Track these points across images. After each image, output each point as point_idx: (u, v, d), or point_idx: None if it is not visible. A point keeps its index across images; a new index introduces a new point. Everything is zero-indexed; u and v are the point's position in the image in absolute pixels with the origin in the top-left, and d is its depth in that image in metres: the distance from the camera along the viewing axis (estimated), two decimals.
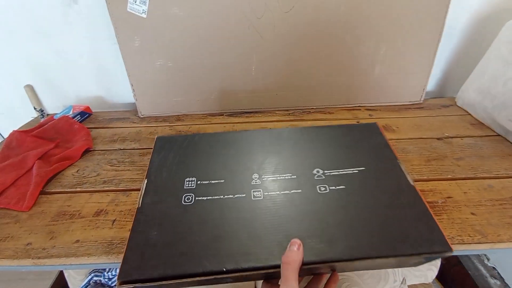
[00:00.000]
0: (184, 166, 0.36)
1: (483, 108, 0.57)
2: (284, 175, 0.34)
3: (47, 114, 0.71)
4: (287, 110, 0.66)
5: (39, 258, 0.35)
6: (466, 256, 0.93)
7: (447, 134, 0.55)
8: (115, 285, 0.73)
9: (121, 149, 0.55)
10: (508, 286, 0.81)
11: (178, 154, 0.38)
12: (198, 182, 0.34)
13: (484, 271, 0.88)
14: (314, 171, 0.35)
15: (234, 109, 0.66)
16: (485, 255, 0.90)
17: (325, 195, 0.32)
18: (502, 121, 0.52)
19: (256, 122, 0.62)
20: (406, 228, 0.29)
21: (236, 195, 0.32)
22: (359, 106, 0.66)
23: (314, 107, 0.66)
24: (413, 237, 0.28)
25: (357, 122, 0.38)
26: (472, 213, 0.39)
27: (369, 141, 0.39)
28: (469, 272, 0.91)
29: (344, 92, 0.65)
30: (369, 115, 0.63)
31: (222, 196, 0.32)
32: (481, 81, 0.57)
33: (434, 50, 0.60)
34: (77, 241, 0.37)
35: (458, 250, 0.36)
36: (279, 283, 0.25)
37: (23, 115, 0.71)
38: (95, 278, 0.71)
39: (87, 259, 0.35)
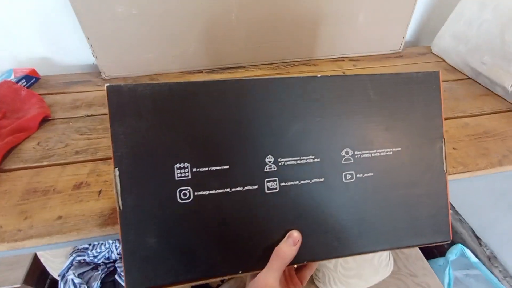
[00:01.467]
0: (168, 143, 0.25)
1: (457, 52, 0.59)
2: (306, 158, 0.27)
3: None
4: (271, 64, 0.62)
5: (15, 241, 0.30)
6: None
7: None
8: (101, 262, 0.70)
9: (89, 116, 0.47)
10: (459, 213, 0.95)
11: (153, 123, 0.24)
12: (194, 170, 0.25)
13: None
14: (343, 152, 0.27)
15: (215, 65, 0.60)
16: None
17: (350, 186, 0.27)
18: (475, 64, 0.55)
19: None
20: (420, 223, 0.28)
21: (246, 187, 0.25)
22: (342, 57, 0.65)
23: (298, 60, 0.63)
24: (423, 232, 0.28)
25: (418, 71, 0.29)
26: (454, 148, 0.42)
27: (419, 105, 0.29)
28: None
29: (328, 42, 0.63)
30: (353, 65, 0.63)
31: (228, 189, 0.25)
32: (456, 26, 0.59)
33: None
34: (59, 217, 0.32)
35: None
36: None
37: None
38: (78, 258, 0.66)
39: (77, 234, 0.31)
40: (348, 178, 0.27)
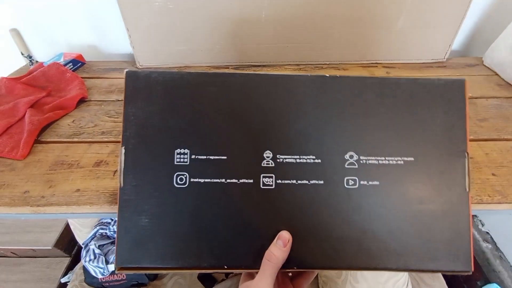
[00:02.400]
0: (172, 128, 0.25)
1: None
2: (306, 157, 0.26)
3: (36, 61, 0.65)
4: (298, 64, 0.61)
5: (38, 206, 0.33)
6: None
7: (470, 95, 0.51)
8: None
9: (119, 100, 0.51)
10: (499, 249, 0.84)
11: (162, 107, 0.26)
12: (193, 157, 0.25)
13: (477, 235, 0.91)
14: (347, 156, 0.26)
15: (241, 62, 0.60)
16: (480, 220, 0.92)
17: (352, 192, 0.25)
18: None
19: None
20: (433, 245, 0.25)
21: (241, 180, 0.25)
22: (375, 63, 0.61)
23: (327, 63, 0.61)
24: (437, 256, 0.25)
25: (439, 78, 0.27)
26: (493, 174, 0.37)
27: (440, 114, 0.26)
28: None
29: (360, 46, 0.59)
30: (387, 72, 0.58)
31: (223, 180, 0.25)
32: None
33: (468, 2, 0.53)
34: (78, 190, 0.35)
35: (476, 209, 0.35)
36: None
37: (11, 63, 0.65)
38: (100, 231, 0.72)
39: (90, 208, 0.34)
40: (350, 184, 0.25)
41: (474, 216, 0.92)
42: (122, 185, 0.25)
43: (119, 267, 0.25)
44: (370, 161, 0.26)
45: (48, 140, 0.43)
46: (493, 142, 0.42)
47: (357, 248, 0.25)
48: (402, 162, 0.26)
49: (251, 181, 0.25)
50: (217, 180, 0.25)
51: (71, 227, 0.81)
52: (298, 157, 0.26)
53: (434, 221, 0.25)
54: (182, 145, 0.25)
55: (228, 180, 0.25)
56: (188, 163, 0.25)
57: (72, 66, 0.59)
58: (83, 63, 0.62)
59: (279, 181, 0.25)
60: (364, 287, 0.65)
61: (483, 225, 0.91)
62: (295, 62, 0.61)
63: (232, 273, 0.68)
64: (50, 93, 0.51)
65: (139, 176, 0.25)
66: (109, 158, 0.39)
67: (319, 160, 0.26)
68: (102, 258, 0.68)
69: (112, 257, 0.68)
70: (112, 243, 0.73)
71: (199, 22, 0.54)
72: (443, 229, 0.25)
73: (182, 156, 0.25)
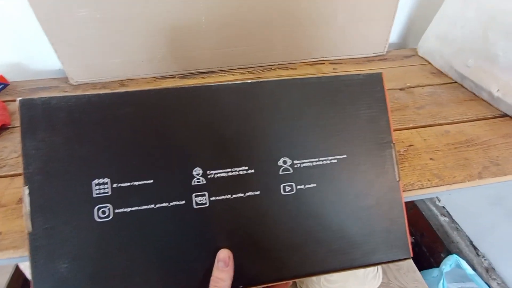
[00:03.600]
0: (84, 157, 0.23)
1: (441, 55, 0.56)
2: (238, 169, 0.25)
3: None
4: (246, 68, 0.60)
5: None
6: (421, 199, 1.02)
7: (409, 84, 0.55)
8: None
9: None
10: (455, 221, 0.92)
11: (68, 135, 0.23)
12: (114, 185, 0.23)
13: (435, 211, 0.98)
14: (280, 162, 0.25)
15: (187, 70, 0.58)
16: (436, 196, 0.99)
17: (290, 199, 0.25)
18: (459, 67, 0.52)
19: (213, 83, 0.55)
20: (373, 238, 0.25)
21: (172, 203, 0.23)
22: (322, 60, 0.63)
23: (276, 63, 0.61)
24: (378, 249, 0.25)
25: (358, 73, 0.28)
26: (431, 159, 0.39)
27: (363, 109, 0.27)
28: (423, 213, 1.01)
29: (306, 45, 0.60)
30: (334, 69, 0.60)
31: (152, 206, 0.23)
32: (441, 26, 0.56)
33: None
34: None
35: (418, 195, 0.36)
36: None
37: None
38: None
39: (14, 252, 0.29)
40: (287, 190, 0.25)
41: None
42: (31, 230, 0.22)
43: None
44: (304, 164, 0.25)
45: None
46: (429, 128, 0.45)
47: (302, 254, 0.25)
48: (335, 160, 0.26)
49: (183, 202, 0.24)
50: (146, 207, 0.23)
51: (21, 267, 0.72)
52: (229, 170, 0.24)
53: (371, 214, 0.26)
54: (100, 175, 0.23)
55: (158, 205, 0.23)
56: (109, 193, 0.23)
57: None
58: (5, 85, 0.55)
59: (213, 198, 0.24)
60: (337, 278, 0.67)
61: (439, 200, 0.99)
62: (243, 66, 0.60)
63: None
64: None
65: (51, 217, 0.22)
66: None
67: (252, 170, 0.25)
68: None
69: None
70: None
71: (133, 32, 0.51)
72: (379, 221, 0.26)
73: (101, 186, 0.23)
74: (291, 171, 0.25)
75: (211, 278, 0.23)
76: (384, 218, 0.26)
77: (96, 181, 0.23)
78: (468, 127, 0.44)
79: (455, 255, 0.84)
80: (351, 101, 0.27)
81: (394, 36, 0.70)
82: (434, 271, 0.87)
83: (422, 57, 0.62)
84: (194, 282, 0.23)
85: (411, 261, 0.84)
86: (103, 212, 0.23)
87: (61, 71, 0.58)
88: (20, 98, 0.23)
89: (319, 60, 0.62)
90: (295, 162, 0.25)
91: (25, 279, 0.76)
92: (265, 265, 0.24)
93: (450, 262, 0.82)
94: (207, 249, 0.24)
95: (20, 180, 0.36)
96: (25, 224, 0.22)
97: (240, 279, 0.23)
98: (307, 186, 0.25)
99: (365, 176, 0.26)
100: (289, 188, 0.25)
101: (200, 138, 0.24)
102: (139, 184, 0.23)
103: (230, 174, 0.24)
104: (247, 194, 0.24)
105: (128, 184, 0.23)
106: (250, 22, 0.54)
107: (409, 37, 0.71)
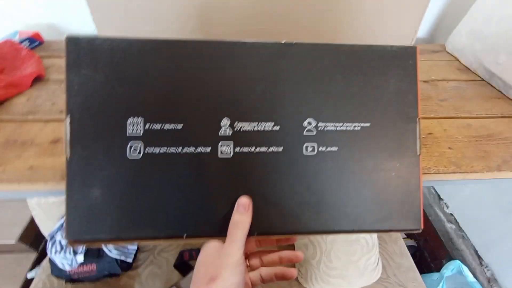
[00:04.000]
0: (122, 97, 0.24)
1: (472, 51, 0.55)
2: (265, 124, 0.25)
3: None
4: None
5: None
6: (429, 204, 1.01)
7: (433, 78, 0.54)
8: None
9: None
10: (462, 229, 0.90)
11: (109, 75, 0.24)
12: (147, 126, 0.24)
13: (442, 217, 0.97)
14: (305, 123, 0.26)
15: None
16: (445, 203, 0.98)
17: (311, 159, 0.26)
18: (489, 64, 0.51)
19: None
20: (388, 206, 0.26)
21: (198, 149, 0.25)
22: None
23: None
24: (390, 216, 0.26)
25: (392, 45, 0.27)
26: (450, 148, 0.39)
27: (393, 80, 0.27)
28: (429, 217, 1.00)
29: (328, 34, 0.59)
30: None
31: (179, 150, 0.24)
32: (474, 22, 0.54)
33: None
34: (31, 167, 0.33)
35: (433, 180, 0.36)
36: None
37: None
38: None
39: (44, 185, 0.32)
40: (309, 150, 0.26)
41: (440, 199, 0.98)
42: (69, 155, 0.23)
43: (71, 240, 0.23)
44: (328, 128, 0.26)
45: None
46: (451, 120, 0.44)
47: (315, 213, 0.26)
48: (359, 128, 0.26)
49: (208, 150, 0.25)
50: (173, 150, 0.24)
51: (36, 220, 0.76)
52: (256, 123, 0.25)
53: (388, 184, 0.26)
54: (134, 113, 0.24)
55: (185, 150, 0.24)
56: (142, 133, 0.24)
57: (28, 44, 0.55)
58: (40, 42, 0.57)
59: (237, 149, 0.25)
60: (337, 266, 0.67)
61: (447, 207, 0.97)
62: None
63: None
64: (3, 71, 0.47)
65: (88, 147, 0.24)
66: None
67: (278, 127, 0.25)
68: (70, 249, 0.65)
69: (80, 247, 0.65)
70: None
71: (167, 2, 0.52)
72: (395, 191, 0.26)
73: (135, 126, 0.24)
74: (314, 133, 0.26)
75: (231, 221, 0.24)
76: (401, 189, 0.26)
77: (130, 119, 0.24)
78: (492, 122, 0.44)
79: (457, 261, 0.83)
80: (381, 71, 0.26)
81: (422, 31, 0.69)
82: (434, 275, 0.86)
83: (450, 53, 0.61)
84: (214, 225, 0.25)
85: (411, 261, 0.83)
86: (134, 151, 0.24)
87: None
88: (67, 35, 0.24)
89: None
90: (319, 124, 0.26)
91: (38, 233, 0.81)
92: (280, 218, 0.25)
93: (452, 267, 0.82)
94: (227, 196, 0.25)
95: (52, 125, 0.39)
96: (64, 151, 0.23)
97: (256, 227, 0.25)
98: (328, 148, 0.26)
99: (386, 146, 0.26)
100: (311, 148, 0.26)
101: (231, 90, 0.25)
102: (169, 127, 0.24)
103: (256, 128, 0.25)
104: (270, 149, 0.25)
105: (159, 125, 0.24)
106: (278, 2, 0.54)
107: (437, 33, 0.70)
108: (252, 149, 0.25)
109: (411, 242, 1.01)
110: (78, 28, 0.62)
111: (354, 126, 0.26)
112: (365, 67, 0.26)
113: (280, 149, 0.25)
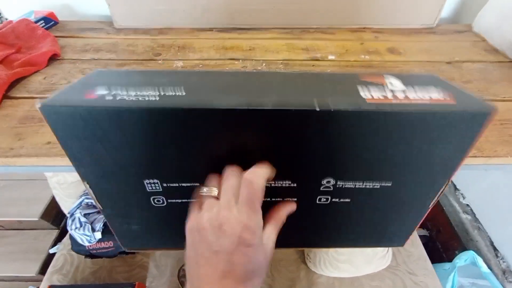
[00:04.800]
0: (132, 162, 0.22)
1: (501, 32, 0.51)
2: (281, 182, 0.24)
3: (6, 19, 0.61)
4: (284, 28, 0.59)
5: (6, 157, 0.32)
6: (444, 194, 0.98)
7: (457, 59, 0.51)
8: None
9: (95, 59, 0.48)
10: (478, 221, 0.88)
11: (109, 139, 0.20)
12: (164, 185, 0.23)
13: (458, 207, 0.94)
14: (324, 181, 0.24)
15: (225, 24, 0.58)
16: (461, 194, 0.95)
17: (322, 207, 0.25)
18: None
19: (249, 39, 0.55)
20: (380, 234, 0.29)
21: None
22: (364, 27, 0.59)
23: (315, 26, 0.59)
24: (380, 239, 0.30)
25: (464, 109, 0.19)
26: None
27: (440, 146, 0.21)
28: (444, 208, 0.97)
29: (349, 10, 0.57)
30: (375, 37, 0.57)
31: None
32: (503, 1, 0.50)
33: None
34: (49, 142, 0.34)
35: None
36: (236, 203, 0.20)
37: None
38: (86, 200, 0.71)
39: (61, 160, 0.33)
40: (322, 201, 0.26)
41: (456, 189, 0.95)
42: (100, 207, 0.26)
43: (128, 248, 0.29)
44: (346, 185, 0.24)
45: (18, 96, 0.41)
46: None
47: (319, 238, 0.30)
48: (378, 186, 0.24)
49: None
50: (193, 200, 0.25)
51: (57, 198, 0.80)
52: (273, 182, 0.23)
53: (388, 225, 0.29)
54: (150, 177, 0.23)
55: None
56: (161, 190, 0.24)
57: (44, 24, 0.55)
58: (56, 22, 0.58)
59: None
60: (346, 251, 0.67)
61: (464, 198, 0.94)
62: (282, 26, 0.59)
63: None
64: (20, 50, 0.48)
65: (114, 205, 0.26)
66: None
67: (295, 185, 0.24)
68: (88, 226, 0.68)
69: (98, 225, 0.68)
70: (98, 212, 0.73)
71: None
72: (392, 228, 0.29)
73: (153, 184, 0.24)
74: (331, 189, 0.24)
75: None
76: (398, 228, 0.29)
77: (147, 180, 0.23)
78: None
79: (471, 251, 0.81)
80: (431, 140, 0.20)
81: (446, 10, 0.65)
82: (446, 265, 0.85)
83: (477, 34, 0.57)
84: None
85: (423, 250, 0.82)
86: (158, 201, 0.25)
87: (106, 16, 0.61)
88: (41, 104, 0.19)
89: (361, 28, 0.59)
90: (338, 183, 0.24)
91: (58, 211, 0.85)
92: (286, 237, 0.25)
93: (465, 257, 0.80)
94: None
95: None
96: (96, 204, 0.25)
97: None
98: (341, 200, 0.25)
99: (400, 203, 0.25)
100: (325, 199, 0.25)
101: (248, 152, 0.22)
102: (186, 186, 0.24)
103: (273, 185, 0.24)
104: (285, 199, 0.25)
105: (176, 185, 0.24)
106: None
107: (463, 13, 0.65)
108: (268, 199, 0.24)
109: (423, 232, 0.99)
110: (92, 8, 0.62)
111: (374, 185, 0.24)
112: (413, 136, 0.20)
113: (294, 199, 0.25)
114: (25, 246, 0.85)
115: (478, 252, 0.84)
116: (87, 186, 0.23)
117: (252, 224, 0.20)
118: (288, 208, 0.25)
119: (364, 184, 0.24)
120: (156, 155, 0.22)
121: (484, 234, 0.86)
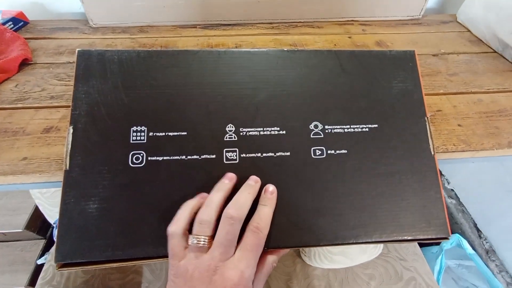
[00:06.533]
0: (128, 105, 0.24)
1: (485, 22, 0.52)
2: (270, 129, 0.25)
3: None
4: (271, 23, 0.57)
5: None
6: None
7: (443, 51, 0.51)
8: None
9: (70, 63, 0.45)
10: (462, 204, 0.91)
11: (117, 84, 0.24)
12: (150, 134, 0.24)
13: (443, 193, 0.97)
14: (311, 126, 0.25)
15: (209, 20, 0.55)
16: (446, 179, 0.98)
17: (320, 162, 0.25)
18: (503, 35, 0.48)
19: (235, 36, 0.53)
20: (408, 214, 0.24)
21: (203, 156, 0.24)
22: (351, 20, 0.59)
23: (301, 20, 0.57)
24: (413, 225, 0.24)
25: (391, 50, 0.28)
26: (459, 125, 0.38)
27: (395, 82, 0.27)
28: None
29: (336, 3, 0.56)
30: (362, 30, 0.56)
31: (183, 157, 0.24)
32: None
33: None
34: (25, 158, 0.31)
35: (441, 159, 0.35)
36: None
37: None
38: None
39: (39, 176, 0.30)
40: (318, 154, 0.25)
41: (442, 175, 0.98)
42: (67, 167, 0.22)
43: (60, 264, 0.22)
44: (335, 130, 0.26)
45: None
46: (461, 95, 0.42)
47: (329, 223, 0.24)
48: (367, 129, 0.26)
49: (214, 156, 0.24)
50: (177, 158, 0.23)
51: (40, 208, 0.77)
52: (261, 129, 0.25)
53: (405, 189, 0.25)
54: (138, 122, 0.24)
55: (189, 157, 0.24)
56: (145, 141, 0.24)
57: (12, 26, 0.51)
58: (26, 22, 0.54)
59: (243, 155, 0.24)
60: (339, 247, 0.69)
61: (448, 183, 0.98)
62: (268, 20, 0.57)
63: None
64: None
65: (89, 156, 0.23)
66: (61, 123, 0.36)
67: (284, 132, 0.25)
68: None
69: None
70: None
71: None
72: (415, 197, 0.25)
73: (138, 134, 0.24)
74: (322, 136, 0.25)
75: (253, 218, 0.21)
76: (420, 194, 0.25)
77: (134, 127, 0.24)
78: (503, 97, 0.42)
79: (457, 234, 0.84)
80: (383, 75, 0.27)
81: (432, 0, 0.65)
82: (434, 248, 0.88)
83: (461, 24, 0.58)
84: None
85: None
86: (137, 158, 0.23)
87: (81, 14, 0.57)
88: (79, 49, 0.25)
89: (348, 20, 0.59)
90: (326, 127, 0.25)
91: (43, 220, 0.81)
92: (292, 229, 0.23)
93: (451, 241, 0.84)
94: None
95: (43, 112, 0.37)
96: (64, 161, 0.23)
97: (266, 240, 0.22)
98: (337, 151, 0.25)
99: (397, 146, 0.26)
100: (320, 152, 0.25)
101: (235, 97, 0.25)
102: (173, 135, 0.24)
103: (261, 133, 0.25)
104: (277, 154, 0.24)
105: (163, 134, 0.24)
106: None
107: (448, 3, 0.66)
108: (259, 154, 0.24)
109: None
110: (65, 6, 0.57)
111: (362, 128, 0.26)
112: (367, 71, 0.27)
113: (288, 153, 0.24)
114: (12, 258, 0.81)
115: (463, 234, 0.88)
116: (70, 132, 0.23)
117: (247, 275, 0.19)
118: (274, 256, 0.23)
119: (352, 127, 0.26)
120: (150, 100, 0.24)
121: (468, 217, 0.90)
